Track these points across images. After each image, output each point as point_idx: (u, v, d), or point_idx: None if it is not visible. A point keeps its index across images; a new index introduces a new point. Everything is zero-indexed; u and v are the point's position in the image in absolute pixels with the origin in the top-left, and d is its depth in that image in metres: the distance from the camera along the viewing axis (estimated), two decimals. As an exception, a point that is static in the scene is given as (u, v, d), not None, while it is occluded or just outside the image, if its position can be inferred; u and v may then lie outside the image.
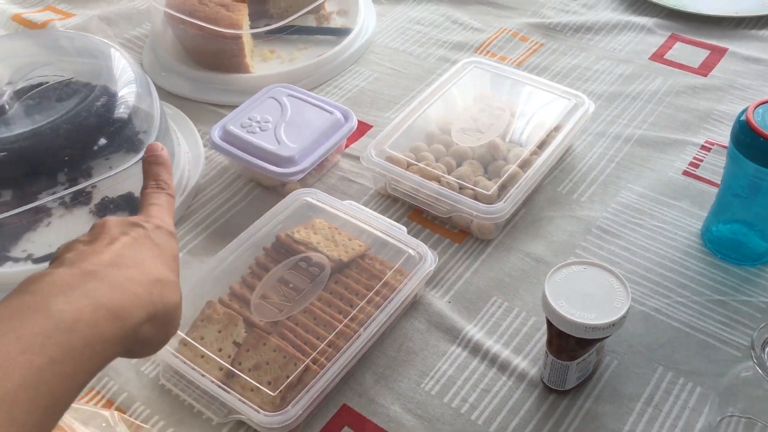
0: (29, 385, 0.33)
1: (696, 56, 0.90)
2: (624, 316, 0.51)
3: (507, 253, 0.68)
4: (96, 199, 0.70)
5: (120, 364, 0.60)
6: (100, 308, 0.38)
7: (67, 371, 0.35)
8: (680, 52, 0.90)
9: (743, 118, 0.58)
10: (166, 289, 0.43)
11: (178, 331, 0.58)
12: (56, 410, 0.35)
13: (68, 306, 0.37)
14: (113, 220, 0.45)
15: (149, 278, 0.42)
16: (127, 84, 0.72)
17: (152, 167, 0.51)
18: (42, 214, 0.69)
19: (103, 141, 0.68)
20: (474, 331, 0.61)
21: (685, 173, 0.74)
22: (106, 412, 0.52)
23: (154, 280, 0.43)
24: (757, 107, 0.59)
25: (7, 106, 0.68)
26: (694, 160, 0.75)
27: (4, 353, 0.33)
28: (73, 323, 0.36)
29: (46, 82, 0.71)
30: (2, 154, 0.64)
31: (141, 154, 0.71)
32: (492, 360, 0.59)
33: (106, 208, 0.70)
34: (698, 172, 0.74)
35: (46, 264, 0.43)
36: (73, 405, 0.51)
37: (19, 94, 0.70)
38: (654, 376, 0.57)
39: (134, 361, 0.61)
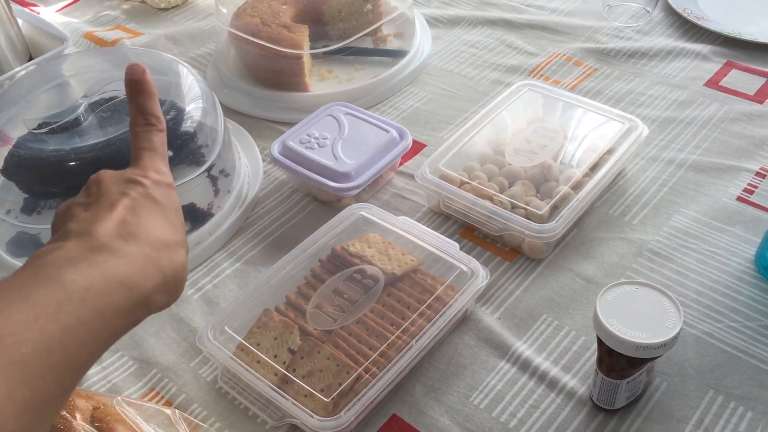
0: (42, 350, 0.34)
1: (752, 83, 0.89)
2: (675, 337, 0.51)
3: (557, 273, 0.69)
4: (161, 208, 0.73)
5: (179, 366, 0.63)
6: (110, 280, 0.38)
7: (79, 339, 0.36)
8: (736, 79, 0.90)
9: (800, 144, 0.58)
10: (173, 253, 0.43)
11: (237, 336, 0.60)
12: (69, 377, 0.36)
13: (79, 276, 0.37)
14: (109, 177, 0.45)
15: (156, 245, 0.42)
16: (194, 100, 0.76)
17: (137, 97, 0.48)
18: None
19: (169, 153, 0.71)
20: (523, 348, 0.62)
21: (739, 199, 0.74)
22: (167, 410, 0.54)
23: (161, 246, 0.42)
24: (814, 134, 0.59)
25: (82, 118, 0.72)
26: (748, 187, 0.75)
27: (18, 320, 0.34)
28: (85, 293, 0.37)
29: (118, 97, 0.75)
30: (77, 163, 0.68)
31: (204, 167, 0.74)
32: (541, 377, 0.60)
33: (169, 217, 0.73)
34: (753, 198, 0.74)
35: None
36: (136, 402, 0.54)
37: (93, 107, 0.74)
38: (704, 399, 0.57)
39: (192, 363, 0.63)
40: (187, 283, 0.69)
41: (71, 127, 0.71)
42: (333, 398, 0.55)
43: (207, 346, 0.59)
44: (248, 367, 0.58)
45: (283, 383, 0.57)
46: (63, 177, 0.68)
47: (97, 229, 0.41)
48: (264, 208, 0.79)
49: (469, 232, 0.73)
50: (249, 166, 0.83)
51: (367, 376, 0.57)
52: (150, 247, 0.42)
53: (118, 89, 0.76)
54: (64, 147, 0.68)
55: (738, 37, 0.95)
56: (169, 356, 0.64)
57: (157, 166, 0.47)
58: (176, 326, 0.66)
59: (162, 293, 0.42)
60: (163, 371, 0.63)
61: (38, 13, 1.13)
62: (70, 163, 0.67)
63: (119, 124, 0.72)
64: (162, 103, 0.74)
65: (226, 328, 0.61)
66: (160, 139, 0.48)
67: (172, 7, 1.14)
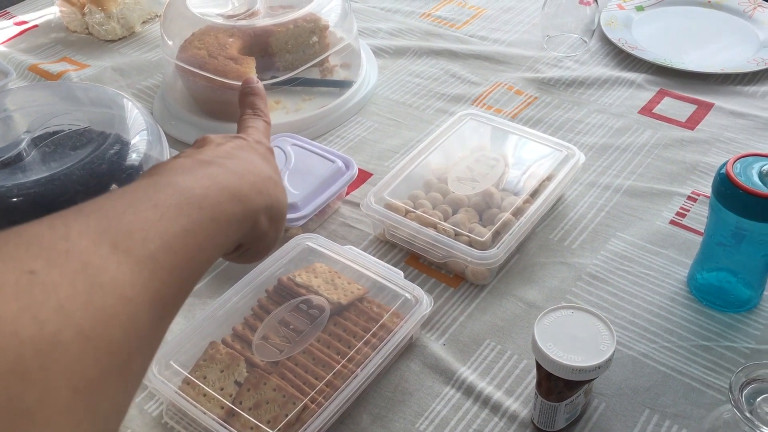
0: (168, 248, 0.35)
1: (684, 110, 0.93)
2: (609, 359, 0.53)
3: (500, 298, 0.70)
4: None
5: (125, 401, 0.62)
6: (223, 189, 0.41)
7: (197, 242, 0.37)
8: (668, 106, 0.94)
9: (723, 171, 0.61)
10: (277, 187, 0.47)
11: (182, 370, 0.60)
12: (190, 278, 0.37)
13: (195, 183, 0.39)
14: (214, 135, 0.48)
15: (263, 173, 0.45)
16: (139, 132, 0.76)
17: (248, 97, 0.54)
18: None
19: (115, 187, 0.71)
20: (468, 372, 0.64)
21: (672, 222, 0.77)
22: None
23: (267, 176, 0.46)
24: (736, 161, 0.62)
25: (24, 153, 0.72)
26: (681, 210, 0.78)
27: (143, 218, 0.35)
28: (201, 199, 0.39)
29: (62, 131, 0.75)
30: (19, 199, 0.67)
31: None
32: (485, 401, 0.61)
33: (115, 250, 0.73)
34: (684, 221, 0.77)
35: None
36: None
37: (36, 142, 0.73)
38: (641, 418, 0.59)
39: (138, 399, 0.63)
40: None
41: (13, 162, 0.70)
42: (279, 430, 0.56)
43: (152, 381, 0.59)
44: (194, 402, 0.58)
45: (230, 416, 0.58)
46: (5, 214, 0.67)
47: (206, 152, 0.44)
48: (211, 239, 0.79)
49: (415, 260, 0.75)
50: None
51: (313, 406, 0.57)
52: (256, 170, 0.45)
53: (62, 123, 0.76)
54: (6, 183, 0.67)
55: (669, 66, 0.99)
56: (115, 392, 0.63)
57: (258, 137, 0.51)
58: (122, 361, 0.66)
59: (267, 216, 0.44)
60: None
61: (-19, 46, 1.12)
62: (13, 200, 0.67)
63: (63, 159, 0.71)
64: (106, 136, 0.74)
65: (171, 362, 0.61)
66: (264, 125, 0.53)
67: (119, 39, 1.14)
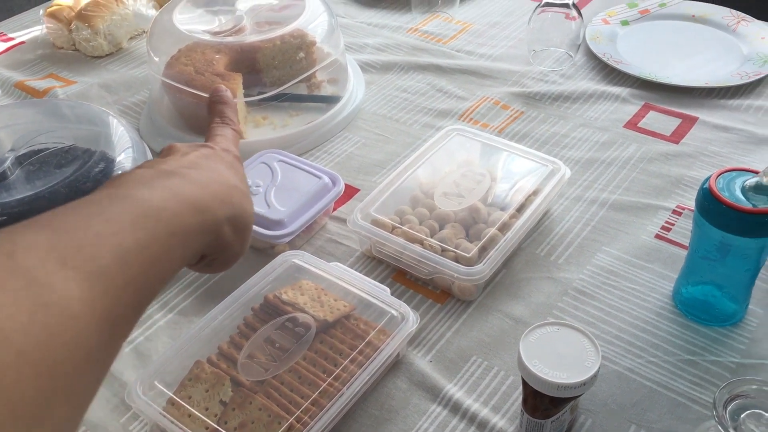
0: (121, 263, 0.34)
1: (668, 124, 0.94)
2: (595, 376, 0.53)
3: (487, 314, 0.70)
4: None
5: (109, 423, 0.62)
6: (183, 201, 0.40)
7: (153, 256, 0.36)
8: (653, 120, 0.95)
9: (706, 186, 0.62)
10: (243, 197, 0.46)
11: (167, 391, 0.60)
12: (145, 294, 0.36)
13: (153, 195, 0.39)
14: (181, 144, 0.48)
15: (227, 182, 0.45)
16: (125, 150, 0.76)
17: (217, 106, 0.54)
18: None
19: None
20: (454, 390, 0.63)
21: (658, 236, 0.77)
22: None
23: (232, 185, 0.45)
24: (719, 176, 0.62)
25: (8, 172, 0.71)
26: (666, 224, 0.79)
27: (96, 233, 0.34)
28: (158, 211, 0.38)
29: (47, 149, 0.75)
30: (3, 218, 0.67)
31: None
32: (471, 419, 0.61)
33: (100, 269, 0.73)
34: (670, 235, 0.77)
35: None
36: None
37: (20, 160, 0.73)
38: (627, 434, 0.59)
39: (123, 420, 0.62)
40: (117, 337, 0.69)
41: (-3, 181, 0.70)
42: (265, 449, 0.55)
43: (136, 402, 0.59)
44: (178, 422, 0.58)
45: (215, 436, 0.57)
46: (-12, 233, 0.67)
47: (170, 162, 0.44)
48: (198, 256, 0.79)
49: (402, 276, 0.75)
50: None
51: (298, 425, 0.57)
52: (221, 180, 0.44)
53: (47, 141, 0.76)
54: (-10, 203, 0.67)
55: (654, 80, 1.00)
56: (99, 413, 0.63)
57: (227, 145, 0.51)
58: (106, 381, 0.65)
59: (231, 227, 0.44)
60: (93, 428, 0.62)
61: (-33, 62, 1.12)
62: (-4, 219, 0.66)
63: (48, 177, 0.71)
64: (92, 154, 0.74)
65: (156, 382, 0.60)
66: (233, 134, 0.53)
67: (106, 55, 1.14)
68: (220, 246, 0.44)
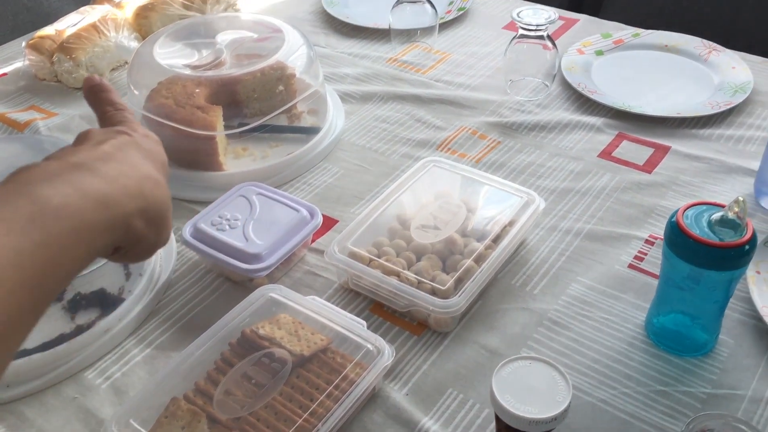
0: (15, 264, 0.33)
1: (641, 154, 0.96)
2: (566, 410, 0.54)
3: (463, 346, 0.71)
4: (69, 295, 0.73)
5: (86, 460, 0.62)
6: (87, 197, 0.38)
7: (52, 256, 0.35)
8: (627, 150, 0.97)
9: (674, 219, 0.63)
10: (156, 187, 0.44)
11: (142, 429, 0.60)
12: (43, 295, 0.35)
13: (54, 192, 0.37)
14: (97, 129, 0.46)
15: (139, 174, 0.43)
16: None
17: (102, 95, 0.51)
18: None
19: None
20: (430, 423, 0.64)
21: (631, 266, 0.79)
22: None
23: (144, 176, 0.43)
24: (686, 209, 0.64)
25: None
26: (639, 254, 0.80)
27: None
28: (59, 209, 0.36)
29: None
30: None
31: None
32: (447, 452, 0.62)
33: (78, 304, 0.73)
34: (642, 265, 0.79)
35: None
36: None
37: None
38: (600, 466, 0.60)
39: (100, 457, 0.62)
40: (94, 372, 0.69)
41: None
42: (240, 487, 0.56)
43: (112, 441, 0.59)
44: (154, 460, 0.58)
45: (191, 474, 0.57)
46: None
47: (79, 154, 0.42)
48: (177, 289, 0.79)
49: (379, 308, 0.76)
50: (162, 248, 0.83)
51: (274, 462, 0.57)
52: (132, 172, 0.43)
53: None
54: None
55: (627, 110, 1.02)
56: (75, 451, 0.63)
57: (145, 130, 0.48)
58: (83, 418, 0.66)
59: (143, 219, 0.42)
60: None
61: (-52, 94, 1.12)
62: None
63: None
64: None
65: (131, 420, 0.60)
66: (133, 118, 0.50)
67: (88, 87, 1.14)
68: (132, 239, 0.43)
